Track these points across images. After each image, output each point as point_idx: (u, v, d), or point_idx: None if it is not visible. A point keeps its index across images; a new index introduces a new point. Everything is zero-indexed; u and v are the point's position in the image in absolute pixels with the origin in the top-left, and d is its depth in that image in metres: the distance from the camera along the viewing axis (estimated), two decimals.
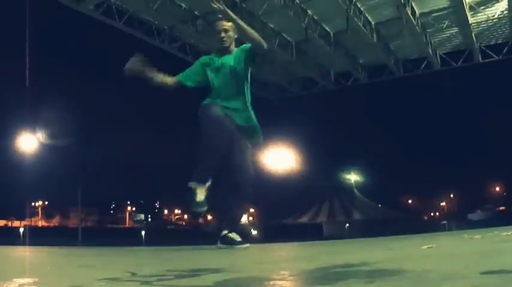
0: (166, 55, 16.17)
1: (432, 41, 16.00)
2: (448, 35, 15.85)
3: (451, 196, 56.64)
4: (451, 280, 1.38)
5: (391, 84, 20.27)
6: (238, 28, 3.93)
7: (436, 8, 14.19)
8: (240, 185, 3.89)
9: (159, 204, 72.10)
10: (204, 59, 4.17)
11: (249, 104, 4.00)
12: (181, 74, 4.14)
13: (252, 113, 4.02)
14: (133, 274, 1.81)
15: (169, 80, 4.06)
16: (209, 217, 65.07)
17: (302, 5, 13.93)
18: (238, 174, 3.90)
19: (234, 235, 3.88)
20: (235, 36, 4.07)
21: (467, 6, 13.59)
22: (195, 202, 3.73)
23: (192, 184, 3.74)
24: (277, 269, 2.12)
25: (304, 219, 38.39)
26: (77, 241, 22.82)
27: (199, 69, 4.12)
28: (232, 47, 4.08)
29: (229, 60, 4.01)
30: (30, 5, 12.35)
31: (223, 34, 3.99)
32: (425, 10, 14.29)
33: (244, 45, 4.06)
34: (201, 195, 3.73)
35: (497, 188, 53.60)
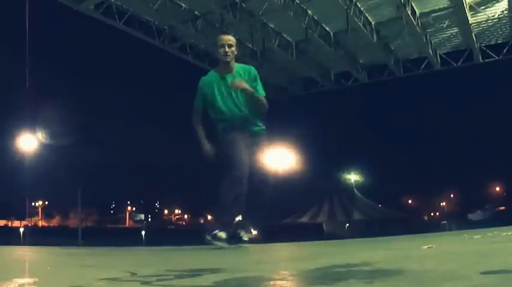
0: (166, 55, 16.19)
1: (432, 41, 15.99)
2: (448, 35, 15.85)
3: (451, 196, 56.68)
4: (451, 280, 1.39)
5: (391, 84, 20.27)
6: (252, 98, 4.03)
7: (436, 8, 14.18)
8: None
9: (159, 204, 72.12)
10: (202, 83, 4.22)
11: (248, 112, 4.11)
12: (196, 107, 4.24)
13: (253, 119, 4.14)
14: (133, 274, 1.82)
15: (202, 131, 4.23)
16: (209, 217, 65.15)
17: (302, 5, 13.92)
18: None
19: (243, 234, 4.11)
20: (236, 52, 4.13)
21: (467, 6, 13.58)
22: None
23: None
24: (277, 269, 2.12)
25: (304, 219, 38.40)
26: (77, 241, 22.81)
27: (201, 97, 4.21)
28: (233, 62, 4.12)
29: (232, 78, 4.08)
30: (30, 5, 12.34)
31: (227, 49, 4.04)
32: (425, 10, 14.29)
33: (251, 69, 4.13)
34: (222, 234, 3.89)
35: (497, 188, 53.62)
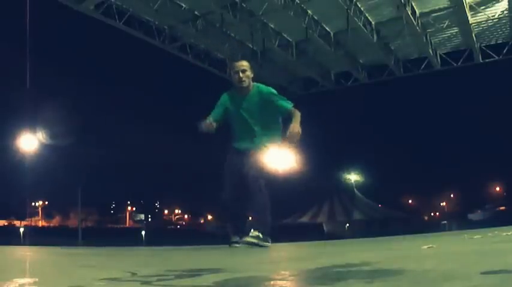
0: (166, 55, 16.20)
1: (432, 41, 15.98)
2: (448, 35, 15.84)
3: (451, 196, 56.64)
4: (451, 280, 1.39)
5: (391, 84, 20.28)
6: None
7: (436, 8, 14.17)
8: (254, 191, 4.18)
9: (159, 204, 72.11)
10: (225, 99, 4.35)
11: (264, 130, 4.28)
12: (213, 116, 4.32)
13: (267, 136, 4.29)
14: (133, 274, 1.82)
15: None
16: (209, 217, 65.18)
17: (302, 5, 13.91)
18: (251, 183, 4.18)
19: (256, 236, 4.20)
20: (252, 75, 4.24)
21: (467, 6, 13.58)
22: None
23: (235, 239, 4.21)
24: (277, 269, 2.12)
25: (304, 219, 38.40)
26: (77, 241, 22.82)
27: (222, 112, 4.35)
28: (250, 85, 4.25)
29: (246, 102, 4.25)
30: (30, 5, 12.32)
31: (241, 75, 4.17)
32: (425, 10, 14.28)
33: (264, 89, 4.27)
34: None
35: (497, 188, 53.59)
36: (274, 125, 4.35)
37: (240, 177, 4.18)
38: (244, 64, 4.20)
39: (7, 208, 43.92)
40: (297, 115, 4.18)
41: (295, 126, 4.05)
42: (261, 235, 4.11)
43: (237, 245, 4.15)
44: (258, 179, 4.20)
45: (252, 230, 4.14)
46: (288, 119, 4.23)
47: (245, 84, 4.18)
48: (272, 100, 4.22)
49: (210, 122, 4.13)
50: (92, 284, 1.54)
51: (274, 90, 4.27)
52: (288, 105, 4.24)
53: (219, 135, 4.39)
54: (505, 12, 14.10)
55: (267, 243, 4.14)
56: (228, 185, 4.21)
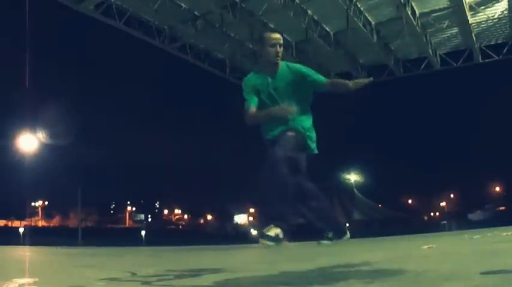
0: (166, 55, 16.20)
1: (432, 41, 15.98)
2: (448, 35, 15.83)
3: (451, 196, 56.61)
4: (451, 280, 1.39)
5: (391, 84, 20.27)
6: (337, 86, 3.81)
7: (436, 8, 14.17)
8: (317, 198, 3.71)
9: (159, 204, 72.06)
10: (253, 82, 3.74)
11: (298, 114, 3.79)
12: (252, 103, 3.68)
13: (303, 121, 3.89)
14: (133, 274, 1.82)
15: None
16: (209, 217, 65.19)
17: (302, 5, 13.91)
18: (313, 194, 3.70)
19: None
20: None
21: (467, 6, 13.58)
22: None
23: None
24: (277, 269, 2.12)
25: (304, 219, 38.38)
26: (77, 241, 22.83)
27: (257, 96, 3.71)
28: (280, 62, 3.77)
29: (277, 82, 3.73)
30: (30, 5, 12.33)
31: (279, 49, 3.68)
32: (425, 10, 14.28)
33: (295, 66, 3.88)
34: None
35: (497, 188, 53.56)
36: (307, 111, 3.88)
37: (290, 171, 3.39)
38: (281, 37, 3.71)
39: (7, 208, 43.89)
40: (340, 80, 3.79)
41: (348, 82, 3.63)
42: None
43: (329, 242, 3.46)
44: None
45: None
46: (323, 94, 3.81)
47: (279, 60, 3.68)
48: (306, 75, 3.73)
49: (287, 104, 3.57)
50: (92, 284, 1.54)
51: (304, 67, 3.81)
52: (323, 78, 3.79)
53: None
54: (505, 12, 14.09)
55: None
56: (279, 189, 3.51)
